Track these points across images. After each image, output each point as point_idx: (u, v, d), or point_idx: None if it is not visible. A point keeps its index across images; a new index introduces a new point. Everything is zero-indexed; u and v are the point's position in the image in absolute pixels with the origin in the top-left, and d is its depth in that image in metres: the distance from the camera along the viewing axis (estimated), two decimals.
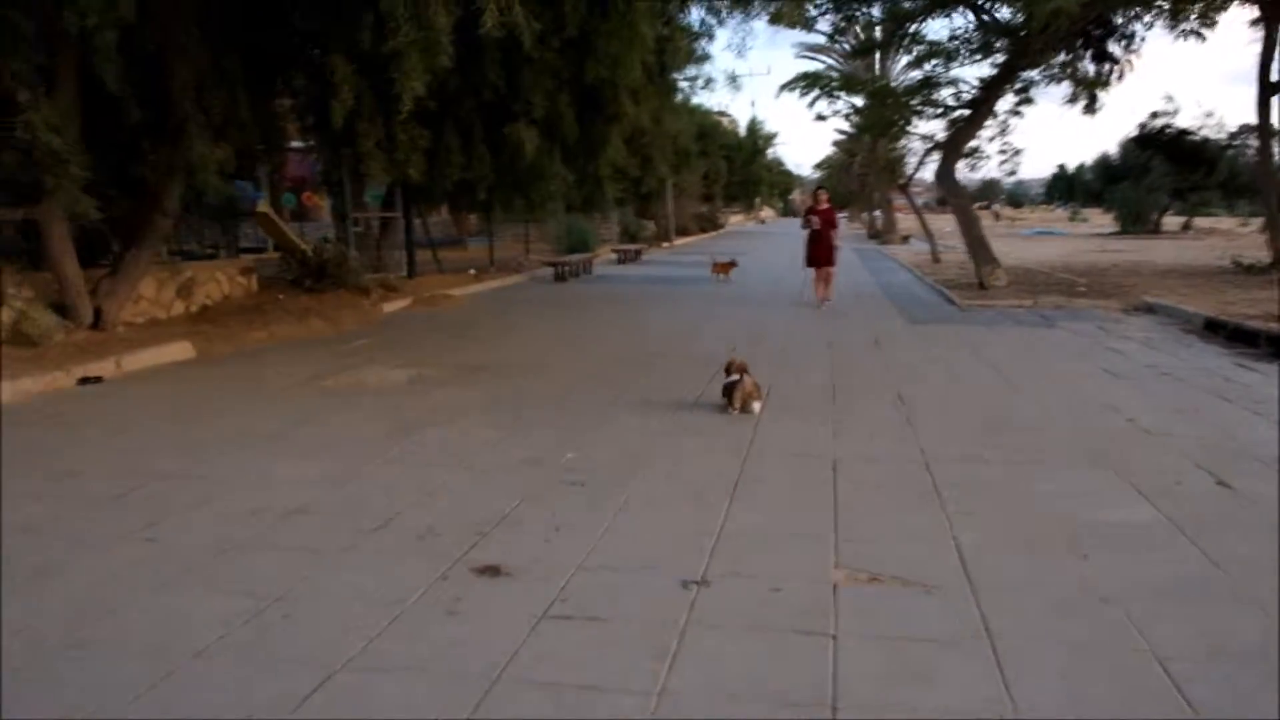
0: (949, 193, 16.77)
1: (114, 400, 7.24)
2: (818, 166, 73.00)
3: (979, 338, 10.99)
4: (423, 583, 3.63)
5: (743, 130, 57.24)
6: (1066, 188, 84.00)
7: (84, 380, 7.65)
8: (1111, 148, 52.43)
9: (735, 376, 6.62)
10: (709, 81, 18.60)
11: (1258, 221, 23.47)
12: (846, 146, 47.20)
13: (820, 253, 14.24)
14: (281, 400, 7.30)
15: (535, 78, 11.69)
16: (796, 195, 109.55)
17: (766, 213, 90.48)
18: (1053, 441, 5.94)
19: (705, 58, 19.34)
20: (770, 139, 60.09)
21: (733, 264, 19.71)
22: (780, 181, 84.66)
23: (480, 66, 10.72)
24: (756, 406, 6.67)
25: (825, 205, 14.50)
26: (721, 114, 52.23)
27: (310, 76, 10.89)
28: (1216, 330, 11.23)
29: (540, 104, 12.25)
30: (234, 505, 4.59)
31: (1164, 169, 29.29)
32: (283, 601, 3.45)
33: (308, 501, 4.65)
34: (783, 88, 21.91)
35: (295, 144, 20.22)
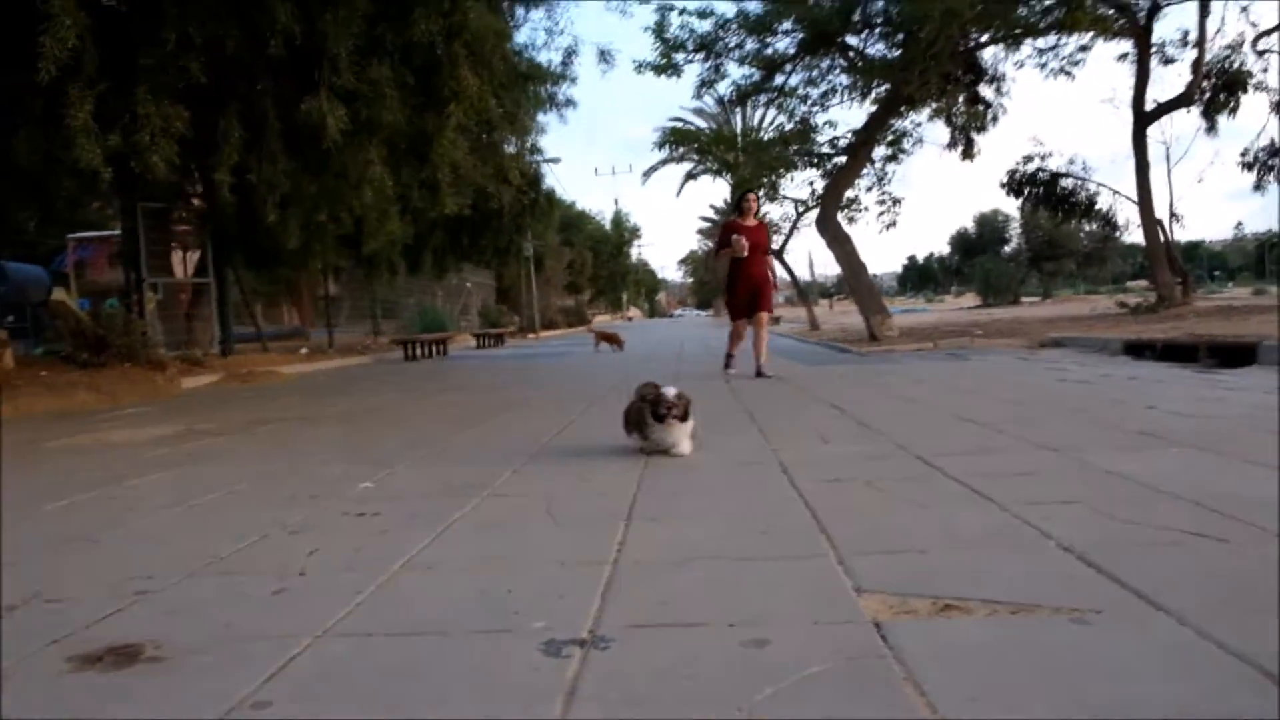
0: (832, 239, 15.54)
1: None
2: (683, 262, 73.45)
3: (893, 369, 9.43)
4: None
5: (608, 224, 56.70)
6: (918, 277, 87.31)
7: None
8: (968, 224, 54.50)
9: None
10: (570, 54, 14.01)
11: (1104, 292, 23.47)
12: (711, 233, 46.96)
13: (748, 293, 9.00)
14: None
15: (339, 24, 8.35)
16: (663, 297, 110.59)
17: (634, 312, 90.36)
18: (1090, 427, 4.21)
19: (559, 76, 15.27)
20: (635, 232, 59.69)
21: (618, 338, 17.46)
22: (646, 281, 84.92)
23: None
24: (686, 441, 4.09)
25: (753, 221, 8.92)
26: (584, 214, 51.44)
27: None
28: (1140, 352, 10.16)
29: (348, 67, 8.69)
30: None
31: (1025, 234, 29.46)
32: None
33: None
34: (649, 173, 20.76)
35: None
